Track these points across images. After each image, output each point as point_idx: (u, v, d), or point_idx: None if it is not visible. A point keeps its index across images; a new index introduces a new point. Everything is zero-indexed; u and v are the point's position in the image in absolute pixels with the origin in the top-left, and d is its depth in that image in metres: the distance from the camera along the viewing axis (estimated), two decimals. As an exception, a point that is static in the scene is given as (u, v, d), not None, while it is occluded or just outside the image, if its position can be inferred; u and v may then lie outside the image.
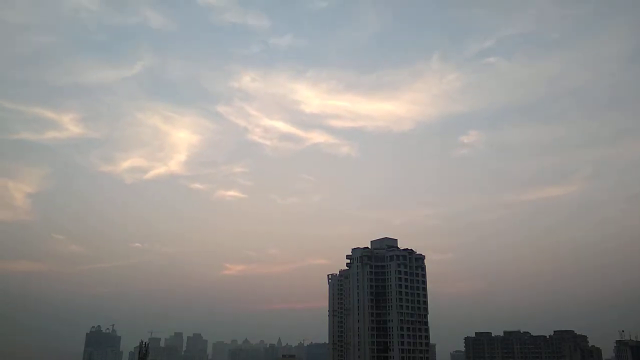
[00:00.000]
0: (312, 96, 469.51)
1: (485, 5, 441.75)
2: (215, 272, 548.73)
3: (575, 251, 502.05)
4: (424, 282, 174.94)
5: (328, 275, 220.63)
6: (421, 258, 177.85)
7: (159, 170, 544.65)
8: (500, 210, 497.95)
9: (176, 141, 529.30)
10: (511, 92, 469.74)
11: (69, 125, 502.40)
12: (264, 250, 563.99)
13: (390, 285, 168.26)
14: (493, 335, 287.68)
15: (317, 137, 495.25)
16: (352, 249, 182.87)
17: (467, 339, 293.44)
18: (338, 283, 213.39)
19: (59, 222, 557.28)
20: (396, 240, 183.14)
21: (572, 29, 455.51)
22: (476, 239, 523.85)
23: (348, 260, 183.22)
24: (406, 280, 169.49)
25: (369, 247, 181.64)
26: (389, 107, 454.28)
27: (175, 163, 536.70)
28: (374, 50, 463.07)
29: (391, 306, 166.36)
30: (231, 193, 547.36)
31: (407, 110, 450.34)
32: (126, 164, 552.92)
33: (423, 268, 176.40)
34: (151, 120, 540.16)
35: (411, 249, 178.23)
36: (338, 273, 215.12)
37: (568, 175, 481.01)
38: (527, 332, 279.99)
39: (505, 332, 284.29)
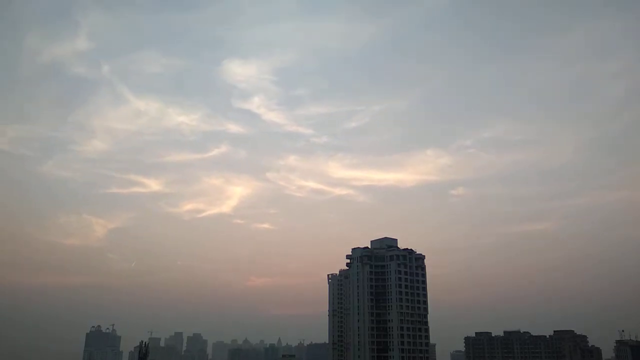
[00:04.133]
0: (339, 167, 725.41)
1: (464, 120, 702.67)
2: (240, 283, 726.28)
3: (565, 262, 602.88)
4: (424, 282, 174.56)
5: (328, 275, 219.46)
6: (421, 258, 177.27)
7: (212, 211, 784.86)
8: (489, 238, 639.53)
9: (231, 194, 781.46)
10: (489, 169, 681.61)
11: (151, 185, 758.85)
12: (285, 266, 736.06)
13: (390, 285, 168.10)
14: (493, 335, 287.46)
15: (340, 191, 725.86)
16: (352, 249, 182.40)
17: (467, 339, 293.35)
18: (338, 283, 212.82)
19: (120, 246, 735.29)
20: (396, 240, 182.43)
21: (531, 135, 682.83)
22: (471, 258, 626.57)
23: (348, 260, 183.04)
24: (406, 280, 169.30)
25: (369, 247, 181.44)
26: (397, 175, 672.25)
27: (226, 207, 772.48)
28: (386, 147, 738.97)
29: (391, 306, 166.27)
30: (264, 225, 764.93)
31: (410, 176, 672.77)
32: (187, 207, 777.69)
33: (423, 268, 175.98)
34: (215, 182, 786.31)
35: (411, 249, 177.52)
36: (338, 273, 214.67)
37: (543, 216, 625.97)
38: (527, 332, 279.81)
39: (505, 332, 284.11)
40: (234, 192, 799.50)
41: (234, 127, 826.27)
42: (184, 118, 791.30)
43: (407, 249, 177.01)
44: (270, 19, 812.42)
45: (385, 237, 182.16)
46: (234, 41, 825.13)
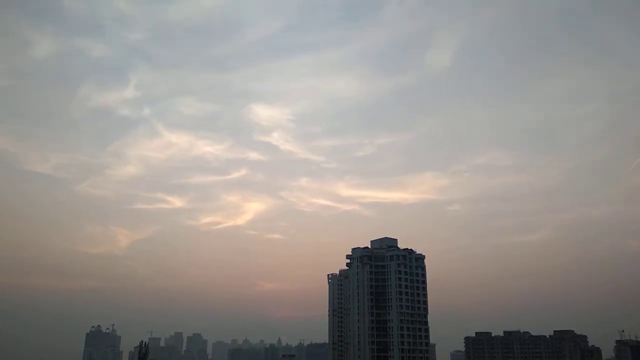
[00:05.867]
0: (346, 187, 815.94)
1: (460, 150, 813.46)
2: (248, 287, 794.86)
3: (562, 264, 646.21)
4: (424, 282, 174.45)
5: (328, 275, 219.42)
6: (421, 258, 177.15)
7: (229, 224, 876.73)
8: (486, 247, 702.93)
9: (247, 209, 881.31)
10: (482, 189, 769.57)
11: (175, 202, 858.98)
12: (293, 272, 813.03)
13: (390, 285, 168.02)
14: (493, 335, 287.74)
15: (347, 207, 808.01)
16: (352, 249, 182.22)
17: (467, 339, 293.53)
18: (338, 283, 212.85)
19: (141, 254, 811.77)
20: (396, 240, 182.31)
21: (519, 162, 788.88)
22: (469, 262, 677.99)
23: (348, 260, 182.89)
24: (406, 280, 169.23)
25: (369, 247, 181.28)
26: (399, 194, 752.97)
27: (241, 220, 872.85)
28: (390, 171, 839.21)
29: (391, 306, 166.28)
30: (275, 236, 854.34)
31: (411, 195, 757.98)
32: (205, 220, 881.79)
33: (423, 268, 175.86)
34: (233, 199, 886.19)
35: (411, 249, 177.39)
36: (338, 273, 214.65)
37: (536, 228, 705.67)
38: (527, 332, 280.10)
39: (505, 332, 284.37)
40: (250, 208, 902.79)
41: (254, 155, 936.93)
42: (210, 148, 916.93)
43: (407, 249, 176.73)
44: (295, 77, 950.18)
45: (385, 237, 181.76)
46: (261, 92, 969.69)
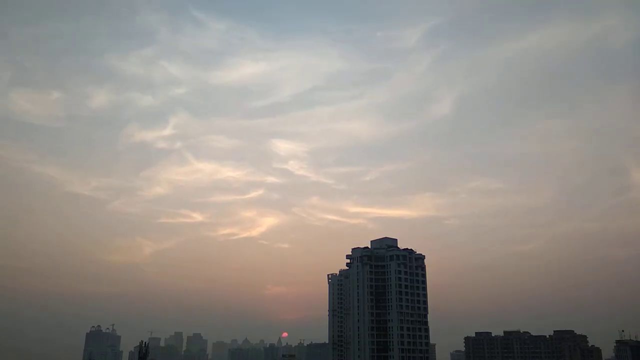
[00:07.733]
0: (353, 205, 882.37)
1: (454, 176, 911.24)
2: (257, 290, 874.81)
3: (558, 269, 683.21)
4: (424, 282, 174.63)
5: (328, 275, 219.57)
6: (421, 258, 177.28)
7: (244, 235, 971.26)
8: (484, 255, 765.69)
9: (262, 223, 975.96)
10: (477, 208, 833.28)
11: (197, 217, 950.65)
12: (298, 276, 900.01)
13: (390, 285, 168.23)
14: (493, 335, 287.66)
15: (354, 221, 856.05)
16: (352, 249, 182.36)
17: (467, 339, 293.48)
18: (338, 283, 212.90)
19: (156, 260, 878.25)
20: (396, 240, 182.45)
21: (508, 186, 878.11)
22: (469, 268, 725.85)
23: (348, 260, 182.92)
24: (406, 280, 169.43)
25: (369, 247, 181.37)
26: (401, 211, 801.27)
27: (255, 232, 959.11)
28: (393, 192, 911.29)
29: (391, 306, 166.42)
30: (284, 245, 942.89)
31: (412, 212, 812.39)
32: (223, 232, 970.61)
33: (423, 268, 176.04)
34: (249, 214, 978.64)
35: (411, 249, 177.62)
36: (338, 273, 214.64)
37: (529, 240, 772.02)
38: (527, 332, 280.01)
39: (505, 332, 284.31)
40: (264, 222, 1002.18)
41: (271, 179, 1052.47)
42: (232, 173, 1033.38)
43: (407, 248, 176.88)
44: (314, 123, 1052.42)
45: (385, 237, 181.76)
46: (282, 133, 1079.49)
